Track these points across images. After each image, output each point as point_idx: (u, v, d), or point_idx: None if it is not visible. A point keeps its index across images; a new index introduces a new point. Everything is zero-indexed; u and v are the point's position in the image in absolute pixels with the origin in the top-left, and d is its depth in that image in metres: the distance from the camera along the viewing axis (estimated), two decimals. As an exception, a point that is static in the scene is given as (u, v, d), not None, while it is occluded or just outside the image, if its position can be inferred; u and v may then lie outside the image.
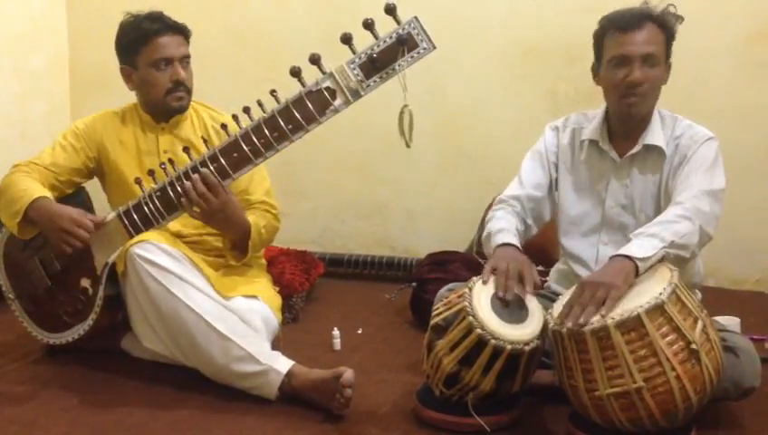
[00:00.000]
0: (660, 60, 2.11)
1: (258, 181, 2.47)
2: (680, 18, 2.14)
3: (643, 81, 2.09)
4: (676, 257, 1.95)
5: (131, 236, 2.27)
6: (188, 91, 2.48)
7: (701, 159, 2.09)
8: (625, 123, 2.18)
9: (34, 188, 2.37)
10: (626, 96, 2.12)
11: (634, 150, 2.17)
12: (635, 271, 1.88)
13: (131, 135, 2.53)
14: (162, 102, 2.46)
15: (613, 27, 2.13)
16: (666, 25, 2.11)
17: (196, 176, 2.17)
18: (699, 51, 3.23)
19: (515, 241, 2.13)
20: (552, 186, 2.30)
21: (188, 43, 2.49)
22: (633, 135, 2.18)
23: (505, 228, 2.17)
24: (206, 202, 2.17)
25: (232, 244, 2.41)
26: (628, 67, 2.09)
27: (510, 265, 2.01)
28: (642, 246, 1.91)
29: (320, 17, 3.67)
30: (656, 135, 2.15)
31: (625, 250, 1.92)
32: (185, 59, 2.46)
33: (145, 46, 2.42)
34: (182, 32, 2.47)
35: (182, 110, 2.49)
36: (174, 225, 2.38)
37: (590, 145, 2.24)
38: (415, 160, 3.53)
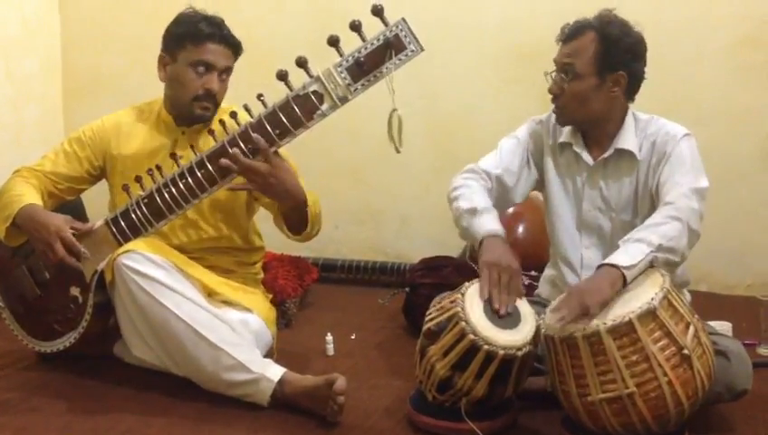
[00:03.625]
0: (583, 73, 2.09)
1: None
2: (628, 29, 2.11)
3: (556, 92, 2.13)
4: (665, 261, 1.94)
5: (120, 244, 2.25)
6: (216, 105, 2.39)
7: (682, 156, 2.08)
8: (580, 128, 2.20)
9: (28, 194, 2.35)
10: (553, 104, 2.17)
11: (606, 154, 2.17)
12: (622, 279, 1.87)
13: (146, 138, 2.45)
14: (187, 106, 2.37)
15: (560, 36, 2.16)
16: (607, 36, 2.08)
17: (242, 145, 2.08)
18: (690, 56, 3.25)
19: (501, 229, 2.09)
20: (522, 177, 2.27)
21: (235, 60, 2.42)
22: (605, 139, 2.18)
23: (489, 208, 2.13)
24: (255, 171, 2.08)
25: (288, 219, 2.30)
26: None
27: (502, 275, 1.99)
28: (628, 252, 1.90)
29: (309, 20, 3.67)
30: (628, 139, 2.15)
31: (611, 259, 1.91)
32: (225, 73, 2.38)
33: (193, 45, 2.33)
34: (234, 47, 2.40)
35: (204, 120, 2.39)
36: (178, 238, 2.38)
37: (566, 148, 2.24)
38: (408, 166, 3.54)
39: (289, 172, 2.17)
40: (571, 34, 2.13)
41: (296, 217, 2.27)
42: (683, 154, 2.08)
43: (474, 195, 2.16)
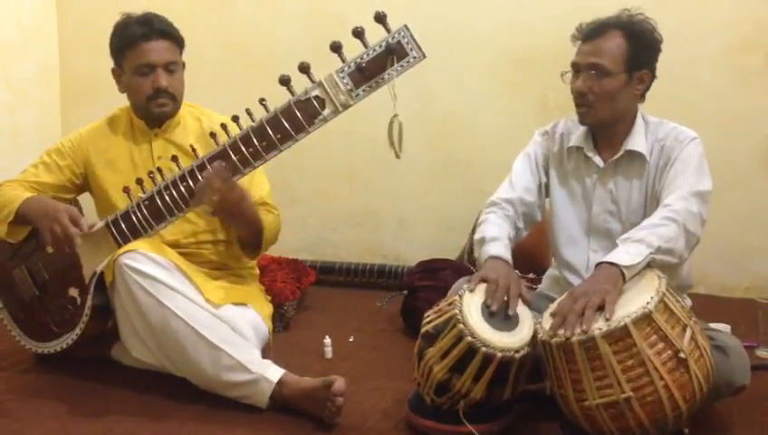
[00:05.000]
0: (613, 71, 2.09)
1: (258, 184, 2.43)
2: (653, 28, 2.13)
3: (585, 91, 2.12)
4: (663, 263, 1.95)
5: (119, 246, 2.25)
6: (173, 98, 2.41)
7: (687, 159, 2.09)
8: (593, 130, 2.20)
9: (24, 194, 2.37)
10: (577, 105, 2.16)
11: (617, 156, 2.18)
12: (622, 278, 1.88)
13: (123, 144, 2.48)
14: (145, 108, 2.41)
15: (579, 35, 2.16)
16: (634, 34, 2.10)
17: (210, 171, 2.13)
18: (686, 60, 3.26)
19: (506, 253, 2.12)
20: (542, 190, 2.31)
21: (180, 47, 2.43)
22: (616, 141, 2.19)
23: (498, 237, 2.15)
24: (223, 196, 2.14)
25: (243, 242, 2.40)
26: (577, 76, 2.13)
27: (500, 279, 2.00)
28: (629, 252, 1.91)
29: (311, 26, 3.68)
30: (638, 141, 2.16)
31: (611, 257, 1.92)
32: (170, 65, 2.38)
33: (130, 50, 2.37)
34: (170, 36, 2.39)
35: (166, 116, 2.43)
36: (173, 234, 2.38)
37: (576, 152, 2.25)
38: (405, 168, 3.54)
39: (251, 202, 2.27)
40: (593, 33, 2.12)
41: (251, 240, 2.37)
42: (687, 158, 2.09)
43: (488, 227, 2.20)
